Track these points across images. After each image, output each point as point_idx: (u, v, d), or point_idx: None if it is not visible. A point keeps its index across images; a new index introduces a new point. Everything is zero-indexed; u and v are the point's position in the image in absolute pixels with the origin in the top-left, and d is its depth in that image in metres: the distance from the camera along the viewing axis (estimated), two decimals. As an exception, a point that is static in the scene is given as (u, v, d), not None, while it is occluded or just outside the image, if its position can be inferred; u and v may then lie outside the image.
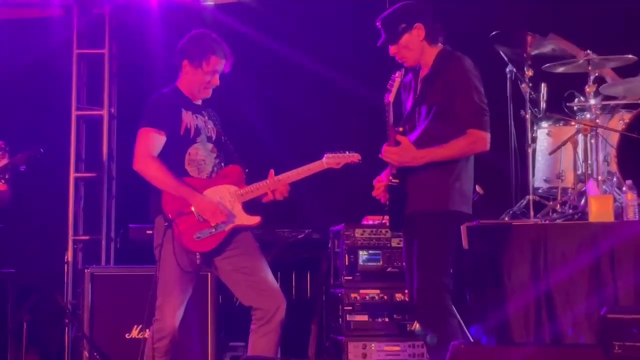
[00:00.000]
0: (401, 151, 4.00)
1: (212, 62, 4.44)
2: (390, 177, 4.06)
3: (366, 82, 6.49)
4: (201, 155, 4.46)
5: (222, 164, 4.55)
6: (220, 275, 4.51)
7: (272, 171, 4.48)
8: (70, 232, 6.69)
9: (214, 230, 4.33)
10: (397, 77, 4.08)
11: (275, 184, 4.44)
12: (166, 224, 4.32)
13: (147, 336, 4.48)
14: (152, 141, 4.37)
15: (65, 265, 6.60)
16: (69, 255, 6.64)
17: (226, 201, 4.41)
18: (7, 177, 5.05)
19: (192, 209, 4.33)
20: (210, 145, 4.52)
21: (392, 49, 4.21)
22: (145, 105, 4.47)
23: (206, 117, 4.57)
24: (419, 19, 4.17)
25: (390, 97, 4.04)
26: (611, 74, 5.64)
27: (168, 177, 4.32)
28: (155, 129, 4.38)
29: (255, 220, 4.44)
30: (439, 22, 4.21)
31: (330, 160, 4.50)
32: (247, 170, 4.51)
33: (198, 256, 4.35)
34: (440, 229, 4.03)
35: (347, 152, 4.54)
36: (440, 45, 4.22)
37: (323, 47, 6.87)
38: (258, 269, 4.43)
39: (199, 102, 4.58)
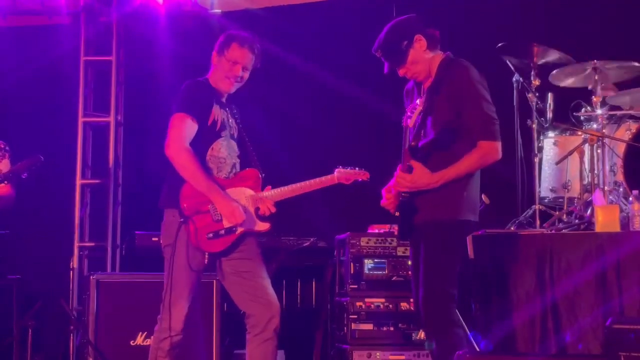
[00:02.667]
0: (414, 177, 3.95)
1: (232, 48, 4.38)
2: (400, 191, 4.04)
3: (374, 92, 6.50)
4: (223, 152, 4.42)
5: (240, 165, 4.51)
6: (219, 276, 4.50)
7: (268, 187, 4.46)
8: (76, 238, 6.70)
9: (223, 232, 4.32)
10: (419, 105, 3.99)
11: (270, 198, 4.42)
12: (182, 219, 4.27)
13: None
14: (186, 128, 4.29)
15: (71, 271, 6.62)
16: (75, 262, 6.65)
17: (241, 204, 4.38)
18: (10, 176, 5.08)
19: (209, 207, 4.30)
20: (233, 143, 4.49)
21: (401, 70, 4.15)
22: (180, 90, 4.39)
23: (229, 114, 4.52)
24: (416, 31, 4.11)
25: (410, 122, 3.99)
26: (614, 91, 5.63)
27: (198, 170, 4.26)
28: (190, 116, 4.30)
29: (265, 226, 4.43)
30: (432, 27, 4.17)
31: (341, 175, 4.51)
32: (263, 174, 4.49)
33: (206, 256, 4.33)
34: (449, 238, 4.01)
35: (357, 169, 4.54)
36: (440, 52, 4.18)
37: (330, 56, 6.88)
38: (257, 275, 4.41)
39: (224, 99, 4.52)
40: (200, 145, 4.36)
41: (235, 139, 4.52)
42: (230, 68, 4.41)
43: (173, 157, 4.28)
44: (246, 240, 4.42)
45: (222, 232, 4.32)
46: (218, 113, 4.42)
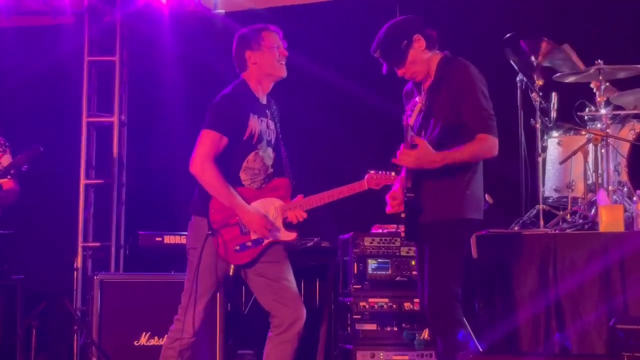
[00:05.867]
0: (419, 153, 3.93)
1: (266, 36, 4.41)
2: (405, 192, 4.04)
3: (378, 93, 6.49)
4: (258, 164, 4.39)
5: (273, 172, 4.48)
6: (244, 277, 4.47)
7: (300, 196, 4.45)
8: (80, 238, 6.70)
9: (250, 244, 4.32)
10: (419, 103, 4.01)
11: (299, 206, 4.41)
12: (209, 232, 4.27)
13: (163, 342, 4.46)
14: (213, 145, 4.26)
15: (75, 271, 6.62)
16: (79, 262, 6.65)
17: (270, 215, 4.37)
18: (12, 172, 5.08)
19: (238, 219, 4.29)
20: (269, 151, 4.46)
21: (400, 71, 4.15)
22: (211, 106, 4.35)
23: (269, 117, 4.48)
24: (415, 31, 4.13)
25: (411, 120, 3.98)
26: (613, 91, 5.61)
27: (222, 186, 4.25)
28: (219, 133, 4.27)
29: (292, 236, 4.42)
30: (430, 27, 4.17)
31: (371, 181, 4.46)
32: (294, 182, 4.48)
33: (232, 267, 4.33)
34: (453, 237, 4.01)
35: (387, 173, 4.47)
36: (438, 52, 4.19)
37: (334, 56, 6.87)
38: (282, 277, 4.39)
39: (264, 101, 4.48)
40: (235, 158, 4.35)
41: (272, 145, 4.48)
42: (277, 52, 4.41)
43: (197, 174, 4.27)
44: (273, 246, 4.40)
45: (249, 244, 4.32)
46: (255, 124, 4.37)
